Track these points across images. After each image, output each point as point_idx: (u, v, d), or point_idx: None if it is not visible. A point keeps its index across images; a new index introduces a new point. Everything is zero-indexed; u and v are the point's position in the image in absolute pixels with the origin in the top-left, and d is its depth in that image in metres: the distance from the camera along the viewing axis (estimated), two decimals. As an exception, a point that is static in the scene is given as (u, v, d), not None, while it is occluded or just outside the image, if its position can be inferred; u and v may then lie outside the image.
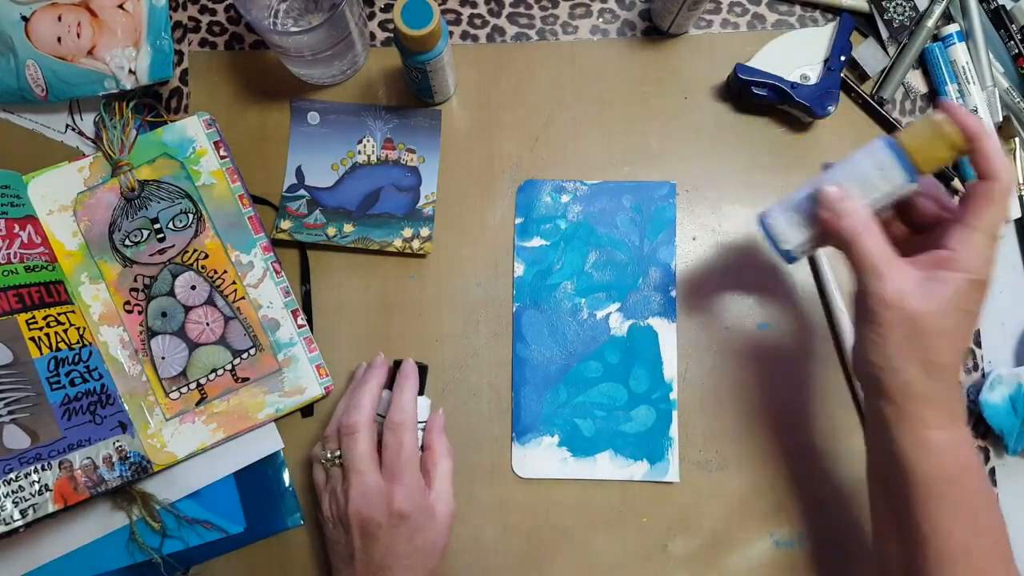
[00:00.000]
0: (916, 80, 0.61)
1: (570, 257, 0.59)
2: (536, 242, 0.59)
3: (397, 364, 0.55)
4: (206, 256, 0.57)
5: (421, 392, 0.56)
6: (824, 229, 0.44)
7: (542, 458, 0.57)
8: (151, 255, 0.56)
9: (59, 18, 0.57)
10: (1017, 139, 0.60)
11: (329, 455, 0.51)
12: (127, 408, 0.54)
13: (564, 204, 0.59)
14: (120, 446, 0.52)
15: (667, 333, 0.58)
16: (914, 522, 0.42)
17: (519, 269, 0.59)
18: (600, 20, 0.61)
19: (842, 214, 0.43)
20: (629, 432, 0.57)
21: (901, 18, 0.60)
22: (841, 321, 0.57)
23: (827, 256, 0.59)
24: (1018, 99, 0.60)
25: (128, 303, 0.56)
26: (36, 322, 0.51)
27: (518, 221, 0.59)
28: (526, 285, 0.59)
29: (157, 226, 0.57)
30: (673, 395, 0.57)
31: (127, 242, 0.56)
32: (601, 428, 0.57)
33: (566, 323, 0.58)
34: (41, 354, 0.50)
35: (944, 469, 0.42)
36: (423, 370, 0.56)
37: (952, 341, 0.41)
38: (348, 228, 0.58)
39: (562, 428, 0.57)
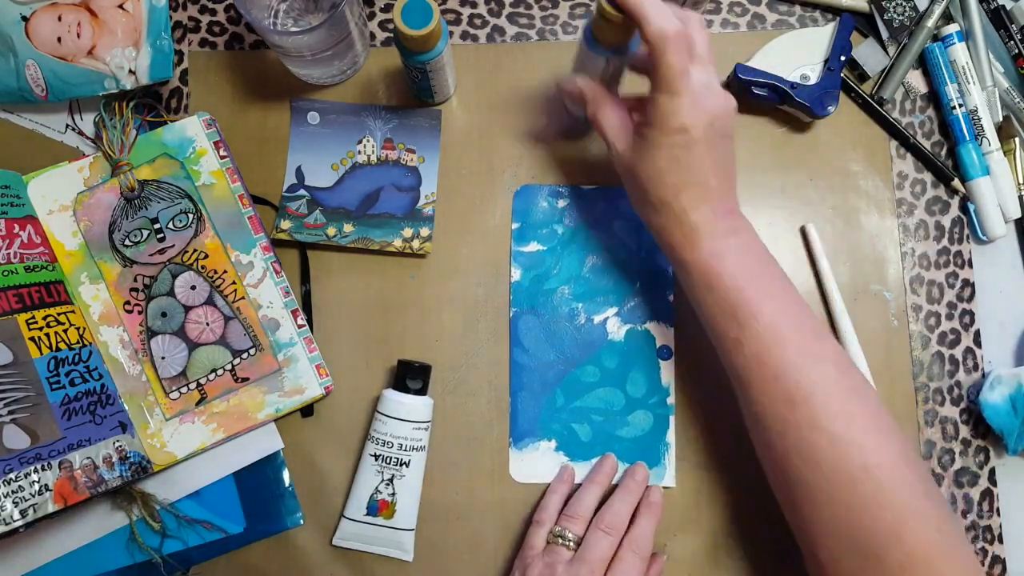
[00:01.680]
0: (916, 80, 0.61)
1: (567, 262, 0.59)
2: (533, 247, 0.59)
3: (402, 363, 0.55)
4: (206, 256, 0.57)
5: (424, 392, 0.56)
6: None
7: (539, 463, 0.57)
8: (151, 255, 0.56)
9: (59, 18, 0.57)
10: (1017, 139, 0.60)
11: (571, 536, 0.52)
12: (127, 408, 0.54)
13: (561, 209, 0.59)
14: (120, 446, 0.52)
15: (664, 338, 0.58)
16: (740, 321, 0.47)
17: (516, 274, 0.59)
18: (600, 20, 0.61)
19: (577, 96, 0.52)
20: (626, 437, 0.57)
21: (901, 18, 0.60)
22: (841, 322, 0.57)
23: (827, 257, 0.59)
24: (1018, 99, 0.60)
25: (128, 303, 0.56)
26: (36, 322, 0.51)
27: (515, 226, 0.59)
28: (523, 290, 0.58)
29: (157, 226, 0.57)
30: (670, 400, 0.57)
31: (127, 242, 0.56)
32: (598, 433, 0.57)
33: (563, 328, 0.58)
34: (41, 354, 0.50)
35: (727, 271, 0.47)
36: (426, 370, 0.56)
37: (664, 181, 0.48)
38: (348, 228, 0.58)
39: (559, 433, 0.57)
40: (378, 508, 0.55)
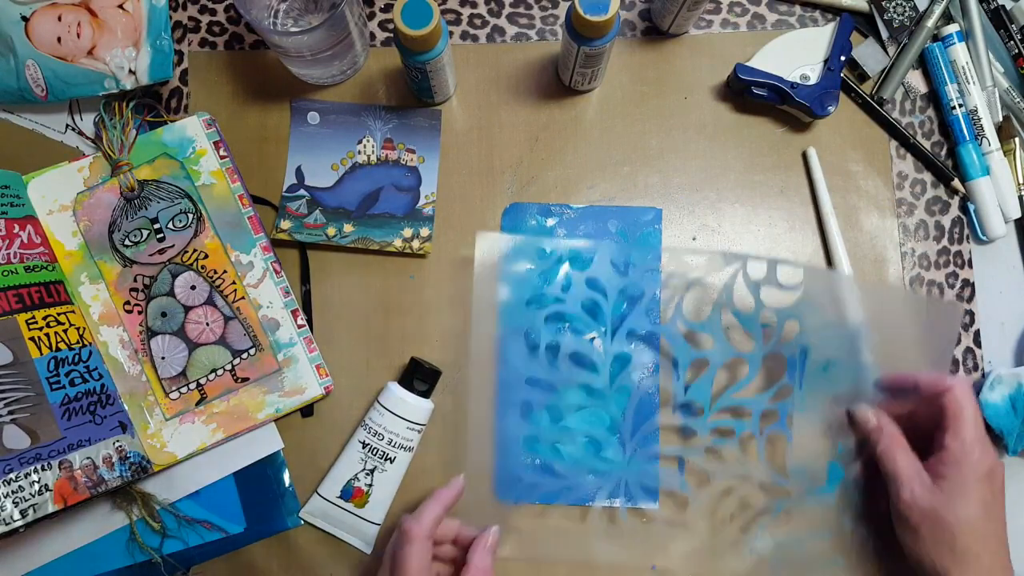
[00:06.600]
0: (916, 80, 0.61)
1: (555, 281, 0.57)
2: (521, 266, 0.57)
3: (415, 361, 0.56)
4: (206, 256, 0.57)
5: (428, 395, 0.56)
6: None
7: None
8: (151, 255, 0.56)
9: (59, 18, 0.57)
10: (1017, 139, 0.60)
11: None
12: (127, 408, 0.54)
13: (550, 228, 0.59)
14: (120, 446, 0.52)
15: (650, 359, 0.57)
16: None
17: (503, 293, 0.57)
18: (600, 20, 0.61)
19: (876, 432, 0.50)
20: (611, 458, 0.56)
21: (901, 18, 0.60)
22: (836, 247, 0.58)
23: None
24: (1018, 99, 0.60)
25: (128, 303, 0.56)
26: (36, 322, 0.51)
27: None
28: (510, 309, 0.57)
29: (157, 226, 0.57)
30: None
31: (127, 242, 0.56)
32: (583, 454, 0.56)
33: (550, 348, 0.56)
34: (41, 354, 0.50)
35: None
36: (436, 375, 0.56)
37: (977, 529, 0.45)
38: (348, 228, 0.58)
39: (544, 453, 0.56)
40: (352, 494, 0.55)
